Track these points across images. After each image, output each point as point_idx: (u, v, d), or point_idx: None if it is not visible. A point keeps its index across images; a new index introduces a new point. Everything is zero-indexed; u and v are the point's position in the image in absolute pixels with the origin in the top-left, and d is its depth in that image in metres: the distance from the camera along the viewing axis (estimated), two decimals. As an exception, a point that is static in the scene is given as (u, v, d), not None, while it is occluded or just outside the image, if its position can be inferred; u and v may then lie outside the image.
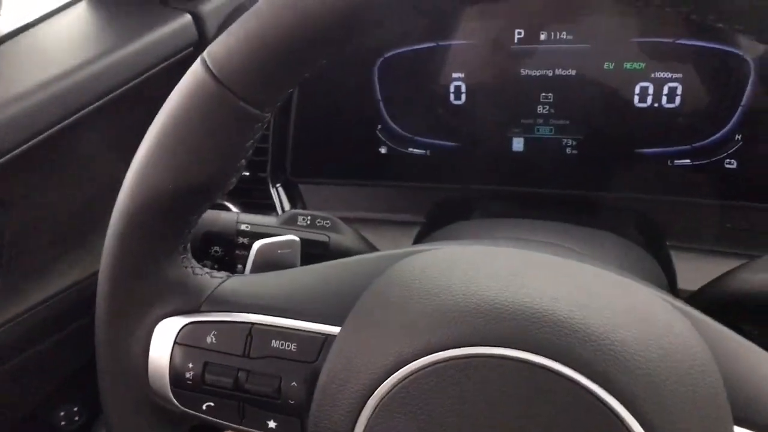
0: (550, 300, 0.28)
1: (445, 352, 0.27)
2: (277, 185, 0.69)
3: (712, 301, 0.43)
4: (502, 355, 0.27)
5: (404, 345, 0.28)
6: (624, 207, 0.61)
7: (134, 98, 0.62)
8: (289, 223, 0.49)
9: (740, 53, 0.52)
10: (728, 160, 0.55)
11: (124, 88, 0.61)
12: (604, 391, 0.25)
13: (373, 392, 0.28)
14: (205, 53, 0.30)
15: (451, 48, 0.59)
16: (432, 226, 0.63)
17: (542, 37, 0.56)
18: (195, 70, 0.30)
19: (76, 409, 0.68)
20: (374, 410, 0.28)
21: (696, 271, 0.50)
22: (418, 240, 0.63)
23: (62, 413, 0.67)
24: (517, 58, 0.57)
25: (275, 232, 0.48)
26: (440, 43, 0.59)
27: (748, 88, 0.52)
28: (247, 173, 0.67)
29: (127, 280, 0.34)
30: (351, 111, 0.65)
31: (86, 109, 0.58)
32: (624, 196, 0.60)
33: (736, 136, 0.54)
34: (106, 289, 0.34)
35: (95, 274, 0.35)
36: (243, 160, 0.32)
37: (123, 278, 0.34)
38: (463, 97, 0.60)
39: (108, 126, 0.63)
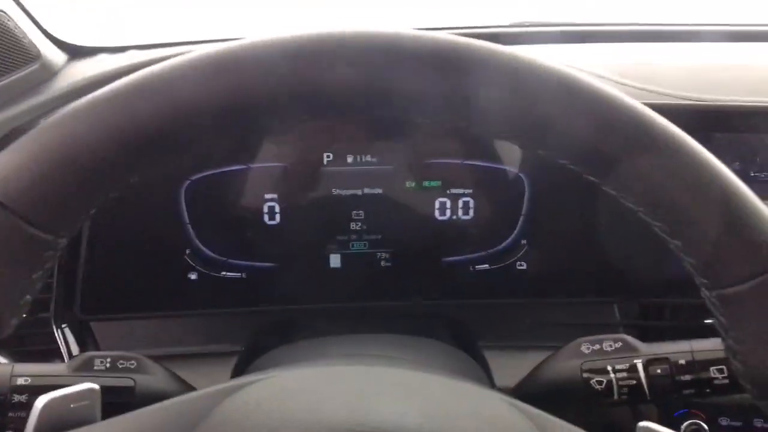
0: (400, 416, 0.27)
1: None
2: (63, 326, 0.59)
3: (530, 395, 0.45)
4: None
5: None
6: (437, 314, 0.64)
7: None
8: (84, 368, 0.41)
9: (515, 170, 0.60)
10: (519, 262, 0.62)
11: None
12: None
13: None
14: None
15: (262, 170, 0.59)
16: (252, 355, 0.59)
17: (349, 159, 0.59)
18: None
19: None
20: None
21: (509, 367, 0.54)
22: (238, 371, 0.57)
23: None
24: (327, 178, 0.59)
25: (65, 383, 0.40)
26: (250, 165, 0.59)
27: (525, 199, 0.61)
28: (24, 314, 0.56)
29: None
30: (154, 236, 0.59)
31: None
32: (437, 303, 0.63)
33: (522, 241, 0.61)
34: None
35: None
36: (28, 296, 0.27)
37: None
38: (278, 217, 0.59)
39: None
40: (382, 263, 0.61)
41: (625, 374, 0.42)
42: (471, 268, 0.62)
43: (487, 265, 0.62)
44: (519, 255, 0.62)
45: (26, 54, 0.62)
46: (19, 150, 0.25)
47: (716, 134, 0.58)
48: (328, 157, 0.58)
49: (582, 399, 0.43)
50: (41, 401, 0.34)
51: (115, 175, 0.26)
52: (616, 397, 0.42)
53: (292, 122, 0.27)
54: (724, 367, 0.40)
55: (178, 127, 0.25)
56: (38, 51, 0.62)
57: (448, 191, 0.60)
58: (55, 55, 0.65)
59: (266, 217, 0.59)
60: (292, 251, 0.60)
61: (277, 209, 0.59)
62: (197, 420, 0.28)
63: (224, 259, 0.60)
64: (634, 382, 0.42)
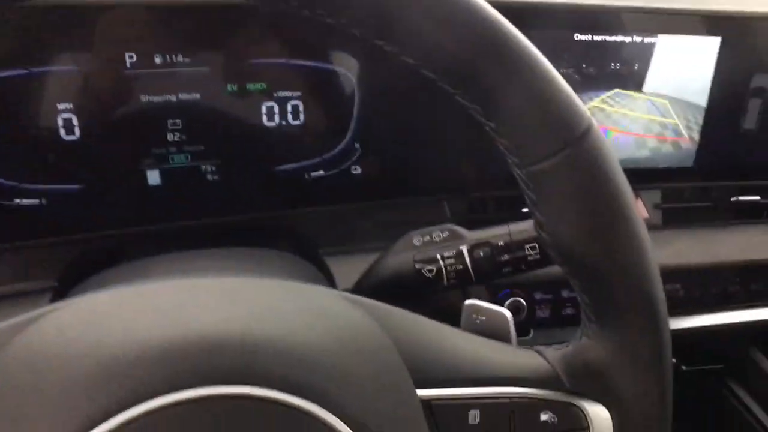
0: (224, 323, 0.25)
1: (109, 422, 0.22)
2: None
3: (368, 291, 0.46)
4: (179, 400, 0.22)
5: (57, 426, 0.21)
6: (274, 225, 0.61)
7: None
8: None
9: (344, 71, 0.58)
10: (353, 166, 0.61)
11: None
12: (296, 397, 0.24)
13: None
14: None
15: (51, 75, 0.50)
16: (68, 287, 0.52)
17: (157, 60, 0.52)
18: None
19: None
20: None
21: (352, 272, 0.54)
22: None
23: None
24: (132, 83, 0.52)
25: None
26: (34, 70, 0.49)
27: (356, 102, 0.59)
28: None
29: None
30: None
31: None
32: (272, 214, 0.61)
33: (355, 145, 0.60)
34: None
35: None
36: None
37: None
38: (77, 131, 0.51)
39: None
40: (209, 177, 0.57)
41: (452, 260, 0.44)
42: (306, 176, 0.60)
43: (321, 172, 0.60)
44: (353, 159, 0.61)
45: None
46: None
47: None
48: (131, 57, 0.51)
49: (416, 288, 0.45)
50: None
51: None
52: (446, 282, 0.44)
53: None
54: (536, 244, 0.44)
55: None
56: None
57: (274, 94, 0.57)
58: None
59: (63, 132, 0.51)
60: (99, 170, 0.53)
61: (76, 122, 0.51)
62: None
63: (17, 184, 0.51)
64: (461, 266, 0.44)
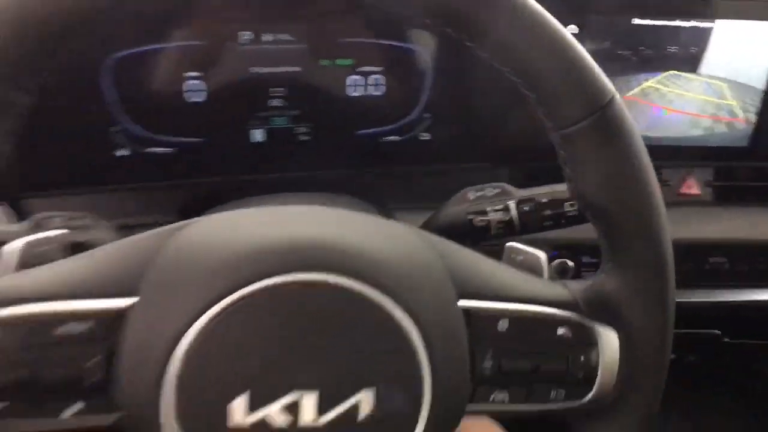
0: (313, 230, 0.35)
1: (236, 293, 0.32)
2: (-1, 203, 0.62)
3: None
4: (292, 281, 0.32)
5: (200, 297, 0.32)
6: (351, 180, 0.72)
7: None
8: (40, 228, 0.46)
9: (419, 50, 0.67)
10: (423, 134, 0.70)
11: None
12: (366, 285, 0.33)
13: (178, 344, 0.31)
14: None
15: (180, 48, 0.62)
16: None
17: (265, 38, 0.63)
18: None
19: None
20: (182, 362, 0.31)
21: (414, 223, 0.63)
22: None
23: None
24: (245, 57, 0.63)
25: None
26: (168, 45, 0.61)
27: (428, 77, 0.68)
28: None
29: None
30: (79, 114, 0.62)
31: None
32: (351, 172, 0.71)
33: (425, 115, 0.69)
34: None
35: None
36: None
37: None
38: (201, 95, 0.63)
39: None
40: (301, 137, 0.68)
41: (500, 213, 0.52)
42: (381, 140, 0.70)
43: (395, 137, 0.70)
44: (423, 127, 0.70)
45: None
46: None
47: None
48: (244, 36, 0.62)
49: (467, 235, 0.53)
50: (8, 247, 0.39)
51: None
52: (493, 232, 0.53)
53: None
54: (575, 201, 0.51)
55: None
56: None
57: (358, 69, 0.66)
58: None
59: (189, 95, 0.63)
60: (216, 127, 0.65)
61: (199, 87, 0.63)
62: (159, 246, 0.35)
63: (152, 135, 0.64)
64: (507, 219, 0.52)
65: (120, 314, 0.33)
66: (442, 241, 0.40)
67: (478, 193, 0.54)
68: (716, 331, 0.86)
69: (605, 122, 0.35)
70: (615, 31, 0.68)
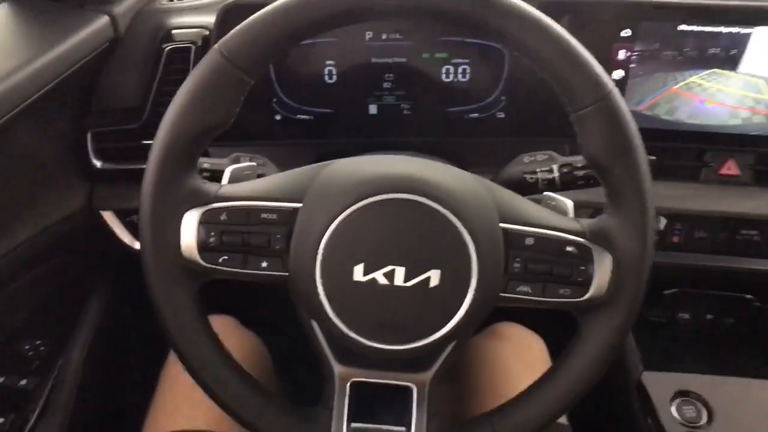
0: (414, 169, 0.56)
1: (364, 201, 0.53)
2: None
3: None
4: (393, 198, 0.53)
5: (338, 203, 0.53)
6: (443, 148, 0.93)
7: (59, 94, 0.75)
8: (236, 161, 0.72)
9: (498, 46, 0.86)
10: (499, 113, 0.90)
11: (49, 86, 0.74)
12: (439, 205, 0.51)
13: (325, 231, 0.52)
14: (217, 45, 0.52)
15: (323, 43, 0.86)
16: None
17: (383, 36, 0.85)
18: (212, 56, 0.52)
19: (39, 342, 0.82)
20: (327, 240, 0.52)
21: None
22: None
23: (27, 346, 0.81)
24: (368, 50, 0.86)
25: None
26: (315, 40, 0.85)
27: (506, 67, 0.87)
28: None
29: (165, 186, 0.54)
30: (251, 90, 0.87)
31: (12, 112, 0.69)
32: (443, 140, 0.92)
33: (502, 98, 0.89)
34: (150, 190, 0.51)
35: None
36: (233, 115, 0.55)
37: (162, 185, 0.53)
38: (335, 77, 0.87)
39: (39, 119, 0.76)
40: (405, 112, 0.90)
41: (546, 173, 0.71)
42: (466, 116, 0.90)
43: (477, 114, 0.90)
44: (499, 107, 0.89)
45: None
46: (238, 31, 0.51)
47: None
48: (369, 34, 0.85)
49: (521, 189, 0.72)
50: (230, 169, 0.64)
51: (292, 43, 0.52)
52: (540, 186, 0.72)
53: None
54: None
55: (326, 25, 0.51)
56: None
57: (452, 60, 0.87)
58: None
59: (326, 77, 0.87)
60: (343, 102, 0.89)
61: (334, 72, 0.87)
62: (311, 178, 0.57)
63: (299, 105, 0.89)
64: (552, 177, 0.71)
65: (294, 210, 0.56)
66: (493, 185, 0.59)
67: (531, 158, 0.73)
68: (748, 296, 0.99)
69: (606, 108, 0.51)
70: (662, 35, 0.83)
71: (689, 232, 0.92)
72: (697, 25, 0.82)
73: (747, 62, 0.83)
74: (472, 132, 0.91)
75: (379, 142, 0.90)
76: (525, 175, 0.72)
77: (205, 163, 0.70)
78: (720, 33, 0.82)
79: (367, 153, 0.82)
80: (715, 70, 0.84)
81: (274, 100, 0.88)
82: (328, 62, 0.86)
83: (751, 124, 0.87)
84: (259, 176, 0.64)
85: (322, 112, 0.89)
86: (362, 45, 0.85)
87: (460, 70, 0.87)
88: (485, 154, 0.87)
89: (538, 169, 0.72)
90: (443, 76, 0.87)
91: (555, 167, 0.71)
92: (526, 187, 0.73)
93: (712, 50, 0.83)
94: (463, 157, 0.89)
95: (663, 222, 0.90)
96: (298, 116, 0.89)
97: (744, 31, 0.81)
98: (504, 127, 0.90)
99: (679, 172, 0.92)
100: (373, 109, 0.89)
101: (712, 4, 0.80)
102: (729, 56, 0.83)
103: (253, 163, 0.68)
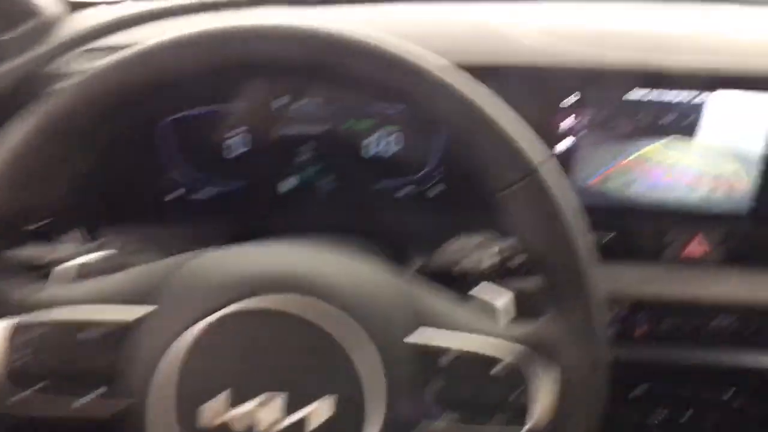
0: (307, 263, 0.44)
1: (233, 306, 0.42)
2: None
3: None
4: (259, 307, 0.41)
5: (198, 309, 0.42)
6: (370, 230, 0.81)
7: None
8: (101, 249, 0.58)
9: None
10: (435, 187, 0.78)
11: None
12: (330, 305, 0.42)
13: (184, 341, 0.41)
14: None
15: (232, 107, 0.74)
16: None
17: (299, 103, 0.74)
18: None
19: None
20: (184, 358, 0.41)
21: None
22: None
23: None
24: (278, 118, 0.75)
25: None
26: (219, 107, 0.74)
27: (442, 135, 0.76)
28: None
29: None
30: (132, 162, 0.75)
31: None
32: (370, 221, 0.80)
33: (439, 169, 0.77)
34: None
35: None
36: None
37: None
38: (242, 148, 0.75)
39: None
40: (325, 188, 0.78)
41: (475, 263, 0.60)
42: (397, 193, 0.79)
43: (409, 189, 0.79)
44: (436, 180, 0.78)
45: (27, 8, 0.74)
46: None
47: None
48: (281, 100, 0.74)
49: (451, 282, 0.60)
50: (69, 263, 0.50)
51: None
52: (470, 279, 0.60)
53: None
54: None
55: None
56: (38, 5, 0.75)
57: (379, 129, 0.76)
58: (54, 8, 0.78)
59: (233, 148, 0.75)
60: (252, 177, 0.77)
61: (242, 142, 0.75)
62: (164, 278, 0.44)
63: (200, 179, 0.77)
64: (482, 267, 0.60)
65: (138, 320, 0.43)
66: (411, 282, 0.47)
67: (464, 243, 0.61)
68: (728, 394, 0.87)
69: (533, 185, 0.41)
70: (612, 101, 0.74)
71: (655, 322, 0.80)
72: (650, 90, 0.73)
73: (704, 131, 0.74)
74: (405, 211, 0.79)
75: (293, 224, 0.77)
76: (454, 266, 0.60)
77: (25, 252, 0.56)
78: (673, 101, 0.73)
79: (269, 238, 0.69)
80: (671, 139, 0.75)
81: (172, 172, 0.75)
82: (236, 131, 0.74)
83: (714, 199, 0.77)
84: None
85: (227, 189, 0.77)
86: (275, 111, 0.74)
87: (388, 139, 0.76)
88: (420, 236, 0.76)
89: (467, 258, 0.60)
90: (370, 147, 0.76)
91: (488, 255, 0.59)
92: (456, 280, 0.61)
93: (666, 118, 0.74)
94: (393, 240, 0.77)
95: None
96: (199, 193, 0.76)
97: (699, 98, 0.73)
98: (441, 204, 0.79)
99: (640, 252, 0.81)
100: (286, 185, 0.77)
101: (663, 68, 0.72)
102: (685, 125, 0.74)
103: (112, 251, 0.54)
